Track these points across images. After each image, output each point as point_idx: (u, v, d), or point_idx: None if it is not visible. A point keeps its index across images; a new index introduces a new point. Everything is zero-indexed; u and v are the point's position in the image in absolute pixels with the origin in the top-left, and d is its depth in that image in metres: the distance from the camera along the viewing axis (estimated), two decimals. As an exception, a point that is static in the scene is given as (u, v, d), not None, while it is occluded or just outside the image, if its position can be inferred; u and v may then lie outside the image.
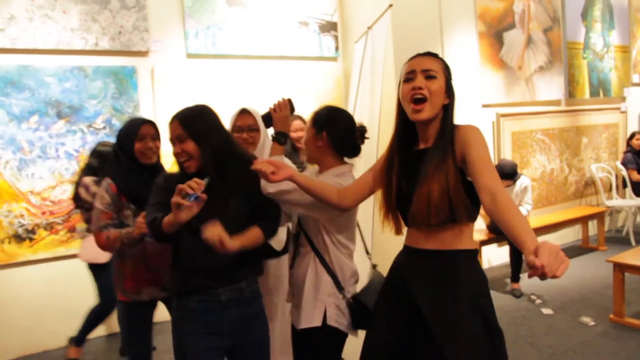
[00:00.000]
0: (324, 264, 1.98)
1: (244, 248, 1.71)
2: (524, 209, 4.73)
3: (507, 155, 5.36)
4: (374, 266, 2.22)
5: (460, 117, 5.20)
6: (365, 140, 2.10)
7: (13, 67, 3.75)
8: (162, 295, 2.25)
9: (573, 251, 5.77)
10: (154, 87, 4.27)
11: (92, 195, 3.02)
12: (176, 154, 1.80)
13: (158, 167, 2.27)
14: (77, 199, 3.23)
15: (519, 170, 4.91)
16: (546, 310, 4.09)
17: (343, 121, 2.03)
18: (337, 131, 1.99)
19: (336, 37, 5.19)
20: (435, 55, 1.68)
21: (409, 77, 1.64)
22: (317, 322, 1.92)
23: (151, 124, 2.25)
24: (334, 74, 5.17)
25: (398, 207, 1.72)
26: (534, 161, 5.69)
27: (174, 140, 1.80)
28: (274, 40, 4.84)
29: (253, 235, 1.79)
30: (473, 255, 1.66)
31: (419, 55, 1.68)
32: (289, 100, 2.18)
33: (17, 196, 3.74)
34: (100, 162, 3.23)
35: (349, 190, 1.83)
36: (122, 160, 2.20)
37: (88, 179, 3.15)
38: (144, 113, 4.19)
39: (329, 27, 5.16)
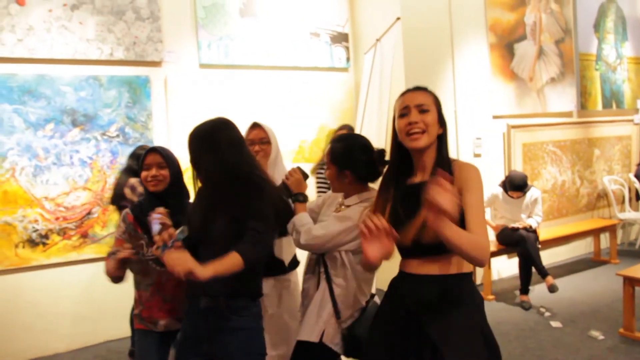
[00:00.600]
0: (330, 291, 2.08)
1: (217, 275, 1.66)
2: (533, 221, 4.71)
3: (518, 166, 5.35)
4: (372, 295, 2.21)
5: (471, 128, 5.27)
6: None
7: (31, 76, 3.85)
8: (177, 327, 2.13)
9: (584, 264, 5.72)
10: (167, 97, 4.35)
11: (139, 196, 3.12)
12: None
13: (172, 194, 2.19)
14: (117, 199, 3.32)
15: (529, 182, 4.90)
16: (555, 323, 4.06)
17: (361, 154, 2.10)
18: (359, 167, 2.08)
19: (347, 48, 5.25)
20: (425, 89, 1.77)
21: (403, 112, 1.71)
22: (314, 338, 2.05)
23: (158, 152, 2.18)
24: (345, 85, 5.21)
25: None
26: (545, 173, 5.68)
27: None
28: (286, 51, 4.91)
29: (229, 262, 1.70)
30: (470, 277, 1.71)
31: (409, 90, 1.76)
32: (299, 168, 2.31)
33: (31, 202, 3.82)
34: (136, 163, 3.27)
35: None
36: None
37: (135, 180, 3.24)
38: (157, 122, 4.27)
39: (340, 38, 5.21)
